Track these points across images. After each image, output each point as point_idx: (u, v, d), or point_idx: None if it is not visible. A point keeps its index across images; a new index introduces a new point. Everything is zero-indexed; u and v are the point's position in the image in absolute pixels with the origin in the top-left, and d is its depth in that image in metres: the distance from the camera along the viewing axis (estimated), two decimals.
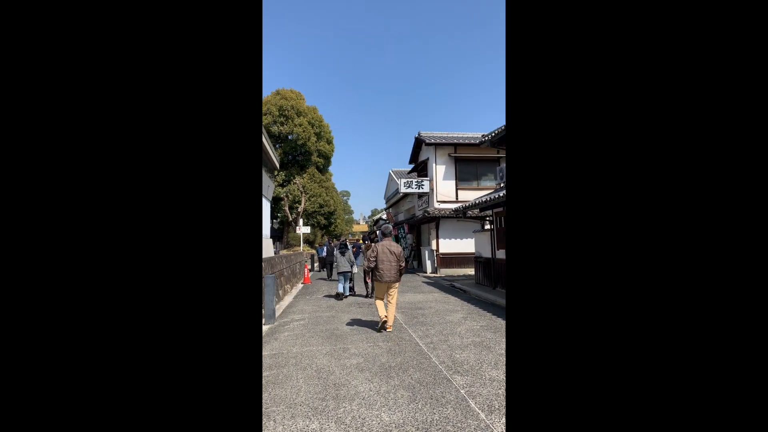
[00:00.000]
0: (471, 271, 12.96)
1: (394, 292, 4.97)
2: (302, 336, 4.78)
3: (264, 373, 3.40)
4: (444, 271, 13.34)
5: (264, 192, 12.41)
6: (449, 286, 9.79)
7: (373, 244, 5.26)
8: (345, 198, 53.25)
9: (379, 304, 4.99)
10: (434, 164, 13.98)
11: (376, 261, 4.91)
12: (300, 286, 10.91)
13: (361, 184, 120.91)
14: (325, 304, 7.37)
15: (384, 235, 5.26)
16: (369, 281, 7.76)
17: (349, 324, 5.42)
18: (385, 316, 4.88)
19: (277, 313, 6.49)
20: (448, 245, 13.59)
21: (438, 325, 5.22)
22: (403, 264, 4.99)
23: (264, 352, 4.09)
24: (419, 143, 15.61)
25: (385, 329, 4.88)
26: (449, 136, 14.47)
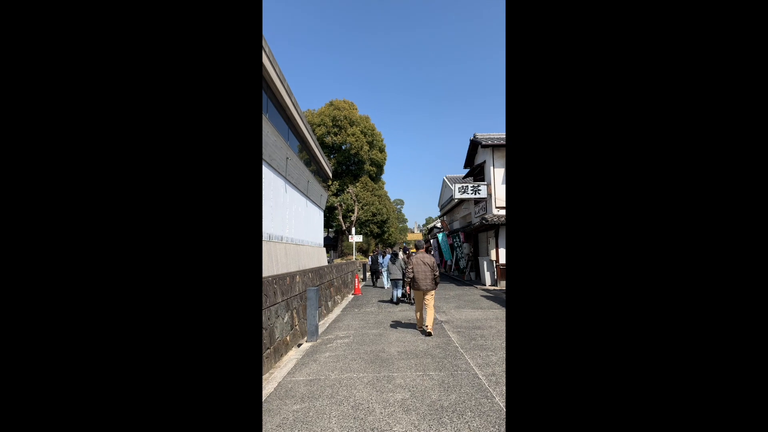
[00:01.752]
0: None
1: (430, 298, 5.49)
2: (344, 358, 4.30)
3: (294, 407, 2.93)
4: (505, 284, 12.23)
5: (317, 201, 12.44)
6: None
7: (411, 257, 5.74)
8: (399, 207, 52.98)
9: (418, 314, 5.62)
10: (492, 167, 13.00)
11: (413, 272, 5.50)
12: (350, 296, 10.55)
13: (415, 192, 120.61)
14: (373, 319, 6.86)
15: (417, 248, 5.86)
16: (408, 290, 8.25)
17: (396, 345, 4.83)
18: (425, 325, 5.34)
19: (323, 328, 6.11)
20: None
21: (500, 351, 4.44)
22: (437, 272, 5.53)
23: (300, 377, 3.66)
24: (475, 146, 14.71)
25: (426, 334, 5.30)
26: None
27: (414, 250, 6.12)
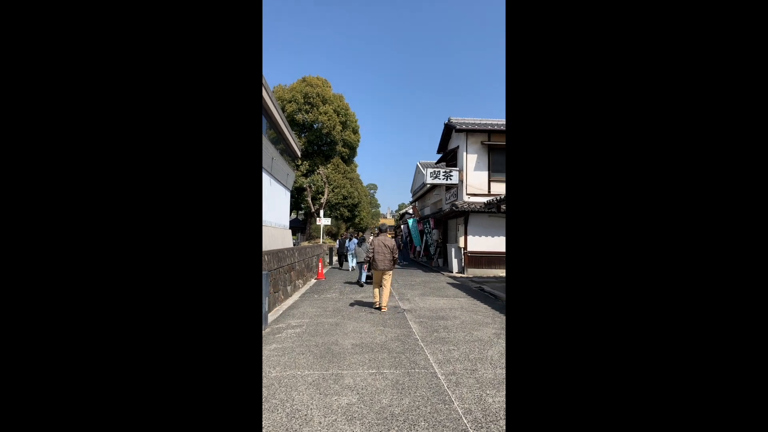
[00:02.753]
0: (502, 273, 11.68)
1: (388, 278, 6.04)
2: (291, 351, 3.84)
3: None
4: (472, 272, 12.12)
5: (283, 180, 11.70)
6: (478, 290, 8.62)
7: (372, 239, 6.40)
8: (372, 191, 52.39)
9: (376, 291, 6.11)
10: (465, 153, 12.69)
11: (372, 253, 6.03)
12: (313, 281, 10.07)
13: (389, 178, 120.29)
14: (331, 306, 6.42)
15: (381, 231, 6.66)
16: (367, 269, 8.87)
17: (352, 337, 4.42)
18: (378, 303, 6.01)
19: (276, 315, 5.62)
20: (478, 243, 12.33)
21: (463, 345, 4.13)
22: (396, 255, 6.11)
23: None
24: (449, 130, 14.34)
25: (379, 310, 5.92)
26: (482, 122, 13.11)
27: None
